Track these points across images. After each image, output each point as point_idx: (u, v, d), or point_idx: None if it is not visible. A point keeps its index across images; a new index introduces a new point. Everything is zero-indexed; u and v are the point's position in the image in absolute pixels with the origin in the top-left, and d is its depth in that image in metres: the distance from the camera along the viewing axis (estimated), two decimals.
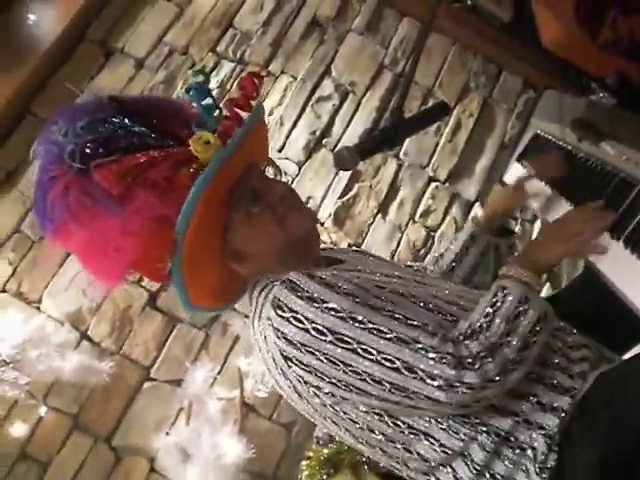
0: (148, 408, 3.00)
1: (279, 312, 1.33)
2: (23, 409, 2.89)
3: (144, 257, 1.37)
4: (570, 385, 1.44)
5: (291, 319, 1.32)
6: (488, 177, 3.61)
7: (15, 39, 3.23)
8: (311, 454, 2.57)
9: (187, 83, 1.48)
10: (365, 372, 1.30)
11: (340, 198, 3.42)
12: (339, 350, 1.30)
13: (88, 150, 1.33)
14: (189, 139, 1.37)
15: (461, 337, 1.31)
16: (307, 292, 1.33)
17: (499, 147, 3.68)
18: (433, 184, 3.56)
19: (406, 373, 1.27)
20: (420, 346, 1.27)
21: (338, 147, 3.44)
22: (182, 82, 3.44)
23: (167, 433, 2.93)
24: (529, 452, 1.40)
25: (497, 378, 1.27)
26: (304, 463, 2.58)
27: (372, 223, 3.43)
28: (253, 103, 1.48)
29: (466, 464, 1.42)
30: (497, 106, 3.74)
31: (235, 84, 3.44)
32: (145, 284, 3.11)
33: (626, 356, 1.80)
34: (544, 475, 1.37)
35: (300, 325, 1.31)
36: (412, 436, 1.41)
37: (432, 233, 3.48)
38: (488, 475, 1.41)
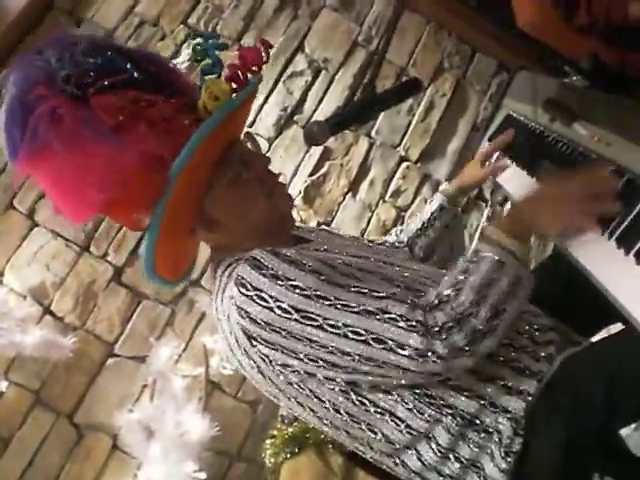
0: (111, 384, 2.97)
1: (242, 290, 1.31)
2: None
3: (126, 198, 1.33)
4: (536, 368, 1.45)
5: (255, 297, 1.30)
6: (460, 158, 3.58)
7: None
8: (275, 433, 2.55)
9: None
10: (333, 346, 1.28)
11: (310, 176, 3.38)
12: (305, 327, 1.29)
13: (85, 77, 1.29)
14: (182, 93, 1.36)
15: (429, 307, 1.28)
16: (271, 270, 1.30)
17: (471, 128, 3.65)
18: (404, 164, 3.53)
19: (375, 344, 1.26)
20: (388, 316, 1.26)
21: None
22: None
23: (130, 410, 2.89)
24: (495, 436, 1.40)
25: (466, 348, 1.25)
26: (268, 442, 2.56)
27: (342, 202, 3.40)
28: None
29: (431, 447, 1.42)
30: (470, 87, 3.72)
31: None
32: (110, 259, 3.07)
33: (593, 339, 1.80)
34: (509, 459, 1.37)
35: (264, 304, 1.29)
36: (377, 415, 1.41)
37: (402, 213, 3.45)
38: (453, 458, 1.41)
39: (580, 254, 1.52)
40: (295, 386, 1.41)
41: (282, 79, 3.50)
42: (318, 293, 1.29)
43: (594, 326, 1.87)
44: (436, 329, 1.24)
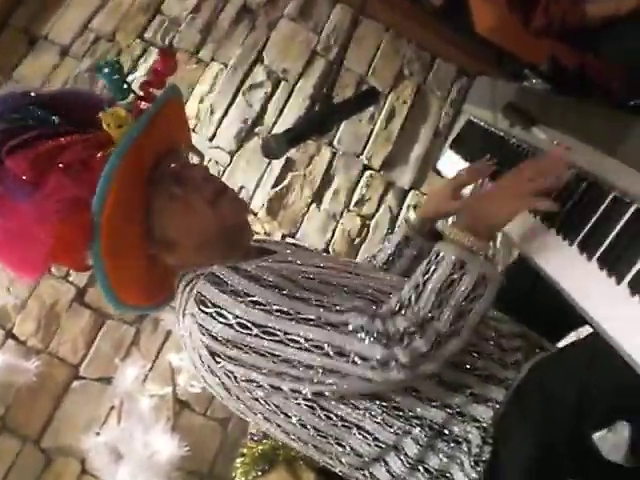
0: (78, 407, 2.91)
1: (202, 308, 1.30)
2: None
3: (63, 246, 1.31)
4: (504, 376, 1.43)
5: (214, 314, 1.28)
6: (422, 164, 3.58)
7: None
8: (245, 451, 2.53)
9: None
10: (295, 359, 1.27)
11: (273, 188, 3.36)
12: (266, 342, 1.27)
13: (0, 139, 1.28)
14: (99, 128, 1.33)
15: (390, 313, 1.26)
16: (231, 286, 1.29)
17: (433, 134, 3.65)
18: (367, 172, 3.52)
19: (337, 357, 1.24)
20: (349, 328, 1.24)
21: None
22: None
23: (98, 433, 2.84)
24: (464, 445, 1.38)
25: (429, 353, 1.23)
26: (238, 460, 2.53)
27: (306, 213, 3.38)
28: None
29: (400, 458, 1.40)
30: (431, 93, 3.72)
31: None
32: (72, 279, 3.02)
33: (560, 344, 1.80)
34: (479, 468, 1.35)
35: (224, 320, 1.28)
36: (345, 429, 1.38)
37: (367, 222, 3.44)
38: (422, 469, 1.39)
39: (543, 261, 1.51)
40: (261, 402, 1.38)
41: (241, 91, 3.48)
42: (278, 307, 1.27)
43: (561, 330, 1.87)
44: (397, 336, 1.22)
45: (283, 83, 3.53)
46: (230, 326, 1.27)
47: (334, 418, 1.37)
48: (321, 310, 1.28)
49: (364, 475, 1.47)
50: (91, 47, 3.39)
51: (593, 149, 1.55)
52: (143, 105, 1.41)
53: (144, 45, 3.44)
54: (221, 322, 1.28)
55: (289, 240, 3.15)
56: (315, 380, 1.29)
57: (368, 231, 3.43)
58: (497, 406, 1.39)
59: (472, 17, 3.19)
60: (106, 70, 1.39)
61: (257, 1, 3.61)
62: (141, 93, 1.42)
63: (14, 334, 2.93)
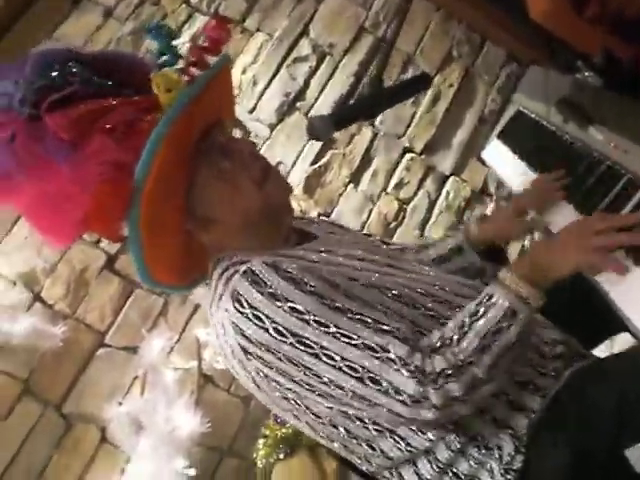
0: (102, 375, 2.88)
1: (238, 306, 1.24)
2: None
3: (99, 212, 1.26)
4: (542, 384, 1.38)
5: (250, 316, 1.23)
6: (465, 150, 3.51)
7: None
8: (267, 433, 2.49)
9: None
10: (327, 377, 1.23)
11: (312, 165, 3.30)
12: (300, 353, 1.22)
13: (40, 95, 1.22)
14: (150, 91, 1.28)
15: (429, 349, 1.22)
16: (270, 287, 1.23)
17: (478, 120, 3.57)
18: (408, 155, 3.45)
19: (370, 384, 1.21)
20: (387, 356, 1.20)
21: (312, 113, 3.33)
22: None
23: (120, 403, 2.82)
24: (495, 452, 1.34)
25: (462, 397, 1.20)
26: (260, 441, 2.50)
27: (343, 192, 3.32)
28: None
29: (429, 462, 1.36)
30: (478, 78, 3.64)
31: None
32: (103, 245, 2.98)
33: (596, 350, 1.75)
34: (509, 476, 1.32)
35: (259, 323, 1.23)
36: (377, 433, 1.34)
37: (404, 206, 3.38)
38: (451, 473, 1.35)
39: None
40: (291, 401, 1.34)
41: (285, 64, 3.41)
42: (318, 319, 1.22)
43: (598, 336, 1.82)
44: (432, 376, 1.19)
45: (328, 58, 3.46)
46: (265, 330, 1.23)
47: (367, 421, 1.33)
48: (362, 328, 1.23)
49: (390, 473, 1.43)
50: (135, 10, 3.33)
51: None
52: (194, 71, 1.35)
53: (189, 11, 3.37)
54: (256, 324, 1.23)
55: (327, 219, 3.07)
56: (343, 401, 1.26)
57: (404, 215, 3.37)
58: (532, 415, 1.34)
59: (526, 2, 3.11)
60: (157, 32, 1.35)
61: None
62: (192, 59, 1.36)
63: (42, 298, 2.91)
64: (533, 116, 2.28)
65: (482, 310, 1.24)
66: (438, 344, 1.23)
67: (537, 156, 2.12)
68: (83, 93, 1.25)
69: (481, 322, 1.22)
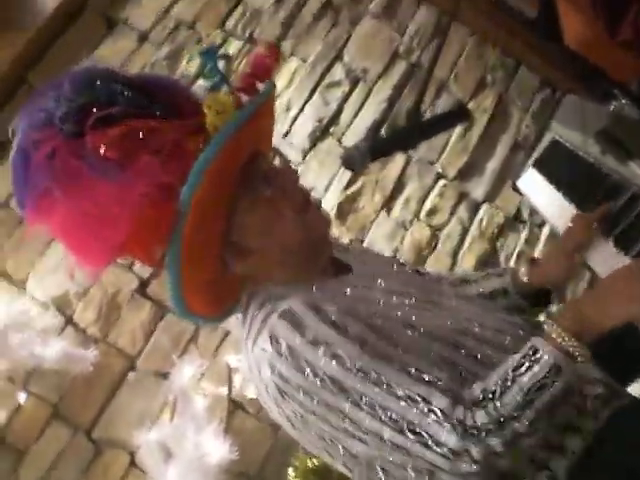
0: (132, 400, 2.89)
1: (276, 348, 1.22)
2: (1, 395, 2.77)
3: (141, 234, 1.23)
4: (581, 424, 1.33)
5: (289, 359, 1.20)
6: (498, 177, 3.47)
7: (14, 7, 3.08)
8: (297, 463, 2.47)
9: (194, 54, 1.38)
10: (366, 425, 1.20)
11: (344, 191, 3.29)
12: (339, 400, 1.19)
13: (83, 113, 1.19)
14: (192, 114, 1.26)
15: (471, 402, 1.19)
16: (310, 331, 1.21)
17: (512, 147, 3.54)
18: (441, 181, 3.43)
19: (410, 435, 1.17)
20: (429, 407, 1.17)
21: (345, 139, 3.33)
22: (187, 58, 3.29)
23: (150, 428, 2.81)
24: None
25: (503, 452, 1.16)
26: (290, 472, 2.48)
27: (375, 219, 3.30)
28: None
29: None
30: (512, 104, 3.61)
31: (243, 63, 3.29)
32: (136, 269, 2.99)
33: (631, 387, 1.72)
34: None
35: (299, 367, 1.20)
36: (414, 474, 1.28)
37: (437, 233, 3.34)
38: None
39: None
40: (327, 441, 1.31)
41: (319, 88, 3.41)
42: (359, 367, 1.19)
43: (632, 373, 1.78)
44: (474, 430, 1.15)
45: (361, 83, 3.46)
46: (304, 374, 1.20)
47: (406, 465, 1.30)
48: (404, 377, 1.20)
49: None
50: (170, 34, 3.35)
51: None
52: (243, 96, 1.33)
53: (224, 35, 3.40)
54: (295, 368, 1.20)
55: (359, 247, 3.04)
56: (381, 451, 1.23)
57: (437, 242, 3.33)
58: (572, 456, 1.29)
59: (562, 29, 3.09)
60: (212, 55, 1.33)
61: None
62: (241, 84, 1.33)
63: (74, 321, 2.92)
64: (569, 146, 2.25)
65: (526, 365, 1.20)
66: (480, 397, 1.19)
67: (574, 187, 2.09)
68: (127, 112, 1.22)
69: (525, 378, 1.18)
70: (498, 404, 1.17)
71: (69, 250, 1.30)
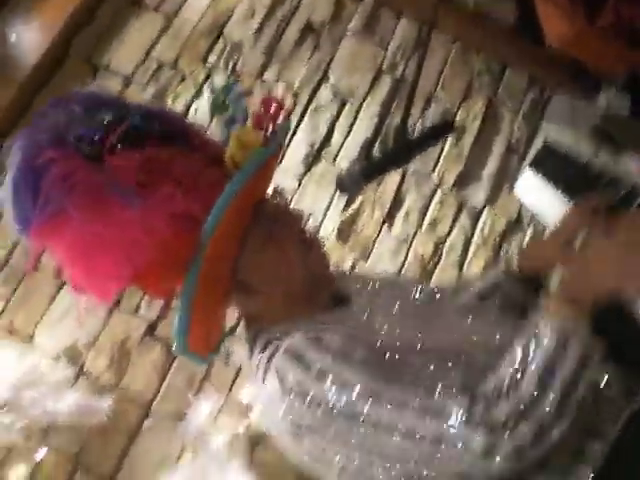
0: (151, 445, 2.85)
1: (284, 386, 1.21)
2: (21, 453, 2.74)
3: (157, 262, 1.23)
4: (602, 428, 1.31)
5: (299, 395, 1.19)
6: (496, 181, 3.44)
7: None
8: None
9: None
10: (387, 447, 1.18)
11: (343, 212, 3.27)
12: (355, 428, 1.18)
13: (98, 134, 1.20)
14: (203, 146, 1.30)
15: (490, 396, 1.15)
16: (316, 365, 1.19)
17: (506, 150, 3.51)
18: (439, 192, 3.41)
19: (434, 445, 1.14)
20: (448, 412, 1.14)
21: (338, 160, 3.32)
22: (172, 97, 3.30)
23: (173, 471, 2.78)
24: None
25: (535, 440, 1.12)
26: None
27: (377, 236, 3.28)
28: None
29: None
30: (502, 106, 3.59)
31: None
32: (143, 313, 2.97)
33: None
34: None
35: (309, 403, 1.19)
36: None
37: (440, 245, 3.32)
38: None
39: None
40: (349, 471, 1.29)
41: (307, 113, 3.40)
42: (370, 389, 1.17)
43: None
44: (499, 424, 1.11)
45: (349, 103, 3.45)
46: (316, 409, 1.18)
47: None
48: (414, 392, 1.17)
49: None
50: (154, 75, 3.35)
51: None
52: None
53: (207, 70, 3.39)
54: (305, 404, 1.19)
55: (359, 273, 3.01)
56: (409, 466, 1.20)
57: (441, 254, 3.30)
58: (595, 462, 1.27)
59: (543, 29, 3.09)
60: (232, 91, 1.36)
61: (320, 19, 3.54)
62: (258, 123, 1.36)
63: (86, 371, 2.90)
64: (563, 146, 2.24)
65: (534, 344, 1.16)
66: (496, 391, 1.15)
67: (571, 186, 2.08)
68: (142, 137, 1.23)
69: (537, 357, 1.14)
70: (518, 392, 1.13)
71: (74, 275, 1.28)
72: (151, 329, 2.98)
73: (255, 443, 2.87)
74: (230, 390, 2.93)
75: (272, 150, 1.33)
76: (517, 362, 1.17)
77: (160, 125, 1.28)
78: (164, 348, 2.96)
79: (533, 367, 1.14)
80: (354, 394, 1.17)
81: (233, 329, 2.81)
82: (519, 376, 1.15)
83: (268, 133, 1.35)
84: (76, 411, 2.74)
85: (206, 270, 1.25)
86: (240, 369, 2.94)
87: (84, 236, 1.21)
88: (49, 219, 1.20)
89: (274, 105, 1.37)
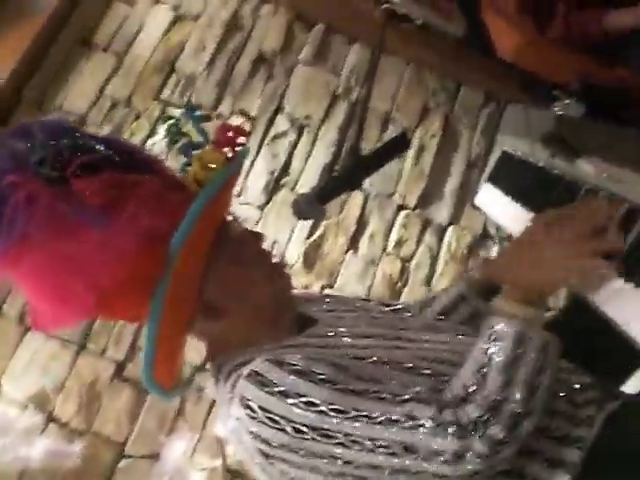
0: None
1: (249, 413, 1.17)
2: None
3: (125, 283, 1.19)
4: (577, 434, 1.29)
5: (264, 420, 1.16)
6: (458, 198, 3.46)
7: None
8: None
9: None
10: (360, 462, 1.15)
11: (307, 239, 3.26)
12: (325, 446, 1.14)
13: (60, 158, 1.18)
14: (160, 171, 1.29)
15: (456, 400, 1.15)
16: (278, 386, 1.16)
17: (466, 166, 3.54)
18: (403, 212, 3.41)
19: (406, 455, 1.12)
20: (416, 422, 1.12)
21: (299, 187, 3.32)
22: (128, 134, 3.27)
23: None
24: None
25: (506, 438, 1.12)
26: None
27: (343, 261, 3.27)
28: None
29: None
30: (459, 123, 3.61)
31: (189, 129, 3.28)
32: (110, 354, 2.92)
33: (626, 387, 1.69)
34: None
35: (276, 425, 1.15)
36: None
37: (407, 264, 3.31)
38: None
39: (606, 305, 1.39)
40: None
41: (265, 142, 3.39)
42: (334, 407, 1.15)
43: (626, 370, 1.75)
44: (471, 426, 1.11)
45: (307, 130, 3.45)
46: (283, 431, 1.15)
47: None
48: (381, 403, 1.16)
49: None
50: (108, 113, 3.33)
51: None
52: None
53: (162, 106, 3.37)
54: (273, 427, 1.15)
55: (323, 294, 3.00)
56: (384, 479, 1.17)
57: (409, 273, 3.30)
58: (573, 469, 1.25)
59: (493, 42, 3.11)
60: (191, 114, 1.37)
61: (271, 49, 3.55)
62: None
63: (55, 417, 2.84)
64: (519, 155, 2.24)
65: (493, 345, 1.18)
66: (463, 393, 1.16)
67: (530, 195, 2.07)
68: (103, 162, 1.21)
69: (497, 357, 1.16)
70: (484, 392, 1.13)
71: (39, 303, 1.25)
72: (120, 370, 2.94)
73: (234, 477, 2.83)
74: (204, 426, 2.89)
75: (234, 168, 1.33)
76: (479, 364, 1.17)
77: (120, 152, 1.27)
78: (134, 389, 2.91)
79: (496, 366, 1.15)
80: (319, 413, 1.14)
81: (204, 364, 2.81)
82: (482, 377, 1.15)
83: (229, 155, 1.34)
84: (48, 456, 2.68)
85: (174, 288, 1.22)
86: (213, 404, 2.89)
87: (51, 260, 1.18)
88: (12, 246, 1.16)
89: (232, 130, 1.36)
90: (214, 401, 2.88)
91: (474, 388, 1.15)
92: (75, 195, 1.16)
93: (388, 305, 1.76)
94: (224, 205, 1.36)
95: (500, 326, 1.19)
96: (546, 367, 1.16)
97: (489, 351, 1.17)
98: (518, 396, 1.13)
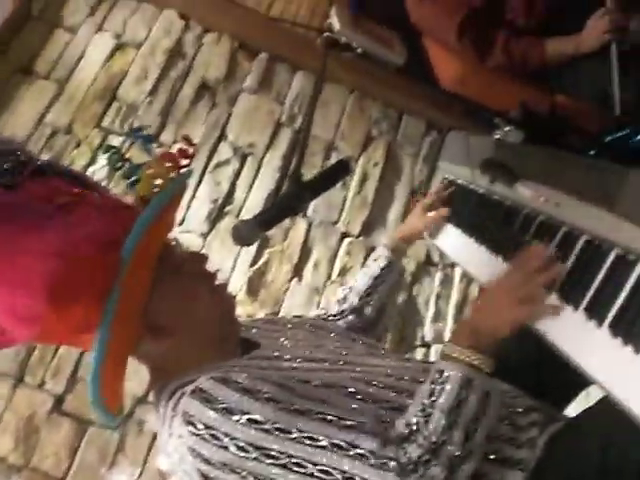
0: None
1: (192, 429, 1.15)
2: None
3: (74, 291, 1.17)
4: (519, 457, 1.31)
5: (207, 436, 1.14)
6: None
7: None
8: None
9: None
10: None
11: (251, 267, 3.23)
12: (267, 467, 1.13)
13: (9, 168, 1.17)
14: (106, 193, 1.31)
15: (399, 439, 1.15)
16: (222, 403, 1.15)
17: (409, 193, 3.55)
18: (346, 240, 3.41)
19: None
20: (359, 452, 1.12)
21: (243, 215, 3.29)
22: (68, 162, 3.21)
23: None
24: None
25: (446, 479, 1.12)
26: None
27: (288, 289, 3.25)
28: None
29: None
30: (402, 151, 3.64)
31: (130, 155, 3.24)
32: (48, 387, 2.84)
33: (569, 410, 1.70)
34: None
35: (218, 443, 1.13)
36: None
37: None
38: None
39: (548, 329, 1.40)
40: None
41: (208, 170, 3.37)
42: (278, 426, 1.14)
43: (570, 393, 1.77)
44: (411, 466, 1.11)
45: (250, 158, 3.43)
46: (225, 449, 1.13)
47: None
48: (326, 427, 1.15)
49: None
50: (48, 141, 3.28)
51: (584, 203, 1.44)
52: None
53: (103, 134, 3.32)
54: (215, 444, 1.14)
55: (265, 318, 2.98)
56: None
57: None
58: None
59: (434, 71, 3.15)
60: (139, 135, 1.43)
61: (215, 77, 3.53)
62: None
63: None
64: (460, 182, 2.25)
65: (438, 388, 1.20)
66: (406, 432, 1.16)
67: (471, 220, 2.08)
68: (52, 172, 1.23)
69: (441, 400, 1.18)
70: (426, 433, 1.14)
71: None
72: (58, 403, 2.85)
73: None
74: (146, 460, 2.82)
75: (180, 185, 1.34)
76: (424, 404, 1.19)
77: (66, 170, 1.28)
78: (73, 423, 2.83)
79: (440, 408, 1.17)
80: (262, 431, 1.13)
81: (145, 396, 2.76)
82: (427, 417, 1.16)
83: (173, 175, 1.35)
84: None
85: (125, 295, 1.20)
86: (155, 437, 2.83)
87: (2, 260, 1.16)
88: None
89: (177, 153, 1.37)
90: (155, 435, 2.82)
91: (416, 428, 1.16)
92: (27, 196, 1.17)
93: (329, 319, 1.87)
94: (170, 222, 1.36)
95: (448, 370, 1.21)
96: (485, 414, 1.19)
97: (434, 393, 1.19)
98: (457, 439, 1.14)
